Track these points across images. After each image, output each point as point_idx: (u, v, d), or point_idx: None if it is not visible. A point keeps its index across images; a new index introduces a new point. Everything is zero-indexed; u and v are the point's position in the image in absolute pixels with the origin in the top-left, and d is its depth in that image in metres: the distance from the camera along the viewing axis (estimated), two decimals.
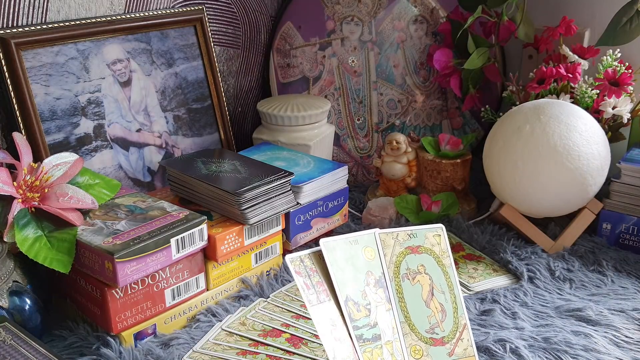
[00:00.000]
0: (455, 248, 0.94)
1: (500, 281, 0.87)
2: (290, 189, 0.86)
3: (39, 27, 0.86)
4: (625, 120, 0.98)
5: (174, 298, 0.76)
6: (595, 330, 0.75)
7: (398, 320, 0.63)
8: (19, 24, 0.85)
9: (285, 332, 0.74)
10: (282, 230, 0.88)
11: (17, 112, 0.84)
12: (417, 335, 0.64)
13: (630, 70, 0.99)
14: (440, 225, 0.69)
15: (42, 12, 0.87)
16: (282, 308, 0.79)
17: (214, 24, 1.12)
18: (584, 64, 1.03)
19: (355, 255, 0.62)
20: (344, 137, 1.19)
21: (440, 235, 0.68)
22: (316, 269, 0.60)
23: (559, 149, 0.88)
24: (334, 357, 0.57)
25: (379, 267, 0.64)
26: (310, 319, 0.76)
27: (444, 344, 0.64)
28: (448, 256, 0.68)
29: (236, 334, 0.74)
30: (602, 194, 0.95)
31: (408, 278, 0.65)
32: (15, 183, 0.72)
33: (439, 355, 0.64)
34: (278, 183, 0.84)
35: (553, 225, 0.97)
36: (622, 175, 0.94)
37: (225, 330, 0.75)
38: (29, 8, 0.85)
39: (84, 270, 0.72)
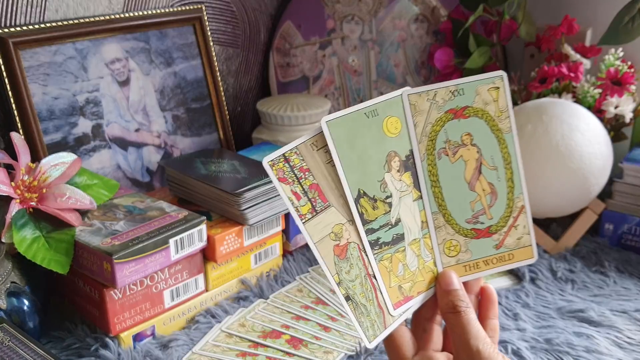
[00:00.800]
0: None
1: (501, 282, 0.86)
2: None
3: (37, 26, 0.85)
4: (627, 120, 0.98)
5: (173, 299, 0.76)
6: (598, 332, 0.75)
7: (429, 211, 0.49)
8: (17, 23, 0.85)
9: (285, 333, 0.74)
10: (282, 230, 0.87)
11: (15, 112, 0.83)
12: (455, 228, 0.50)
13: (632, 70, 0.99)
14: (501, 72, 0.51)
15: (40, 11, 0.87)
16: (282, 309, 0.79)
17: (213, 23, 1.11)
18: (586, 63, 1.02)
19: (373, 131, 0.47)
20: None
21: (499, 88, 0.51)
22: (308, 167, 0.45)
23: (561, 148, 0.87)
24: (338, 283, 0.45)
25: (407, 144, 0.48)
26: (311, 321, 0.76)
27: (490, 235, 0.50)
28: (507, 117, 0.51)
29: (236, 336, 0.74)
30: (605, 194, 0.95)
31: (446, 154, 0.49)
32: (13, 183, 0.72)
33: (481, 249, 0.50)
34: None
35: (555, 225, 0.97)
36: (624, 175, 0.94)
37: (225, 332, 0.75)
38: (26, 7, 0.85)
39: (82, 271, 0.71)
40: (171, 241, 0.72)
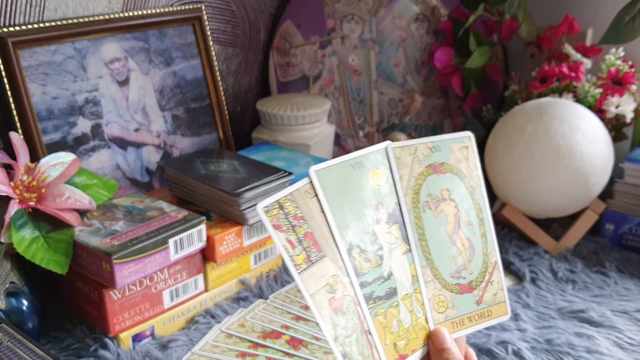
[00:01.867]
0: None
1: None
2: None
3: (36, 26, 0.85)
4: (628, 120, 0.97)
5: (172, 299, 0.76)
6: (598, 332, 0.75)
7: (419, 265, 0.48)
8: (16, 22, 0.84)
9: (285, 333, 0.74)
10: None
11: (14, 112, 0.83)
12: (442, 283, 0.49)
13: (633, 69, 0.99)
14: (469, 133, 0.53)
15: (39, 11, 0.86)
16: (282, 309, 0.79)
17: (213, 23, 1.11)
18: (587, 63, 1.02)
19: (360, 183, 0.47)
20: (344, 137, 1.18)
21: (468, 147, 0.52)
22: (302, 215, 0.44)
23: (562, 148, 0.87)
24: (335, 338, 0.43)
25: (393, 196, 0.48)
26: (311, 321, 0.76)
27: (471, 290, 0.51)
28: (477, 175, 0.52)
29: (235, 336, 0.74)
30: (605, 194, 0.95)
31: (430, 207, 0.49)
32: (12, 183, 0.72)
33: (465, 305, 0.50)
34: (277, 183, 0.83)
35: (555, 225, 0.97)
36: (625, 175, 0.94)
37: (224, 332, 0.74)
38: (26, 7, 0.85)
39: (82, 271, 0.71)
40: (170, 241, 0.72)
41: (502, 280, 0.53)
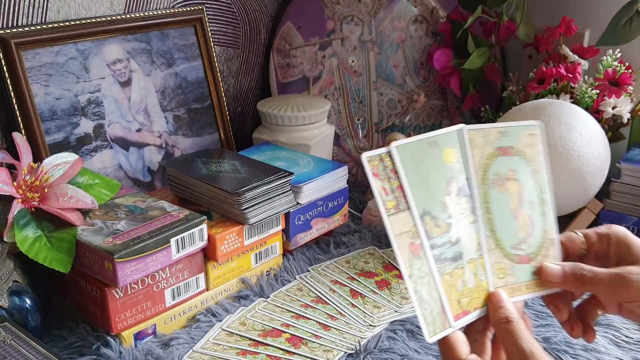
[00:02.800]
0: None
1: None
2: (290, 189, 0.86)
3: (38, 27, 0.86)
4: (625, 120, 0.98)
5: (174, 298, 0.76)
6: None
7: (483, 234, 0.53)
8: (19, 23, 0.85)
9: (285, 332, 0.74)
10: (282, 230, 0.87)
11: (17, 112, 0.84)
12: (503, 252, 0.54)
13: (630, 70, 0.99)
14: (539, 122, 0.57)
15: (42, 12, 0.87)
16: (282, 308, 0.79)
17: (214, 24, 1.12)
18: (584, 64, 1.03)
19: (434, 159, 0.52)
20: (344, 137, 1.19)
21: (535, 134, 0.57)
22: (397, 171, 0.51)
23: (559, 149, 0.88)
24: (410, 276, 0.48)
25: (463, 172, 0.53)
26: (311, 319, 0.77)
27: (529, 261, 0.55)
28: (542, 160, 0.57)
29: (236, 334, 0.74)
30: (602, 194, 0.95)
31: (497, 185, 0.54)
32: (15, 183, 0.72)
33: (523, 274, 0.55)
34: (278, 183, 0.84)
35: None
36: (622, 175, 0.94)
37: (225, 330, 0.75)
38: (28, 8, 0.85)
39: (84, 270, 0.72)
40: (172, 240, 0.73)
41: (558, 257, 0.56)
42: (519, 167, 0.56)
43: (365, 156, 0.49)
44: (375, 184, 0.49)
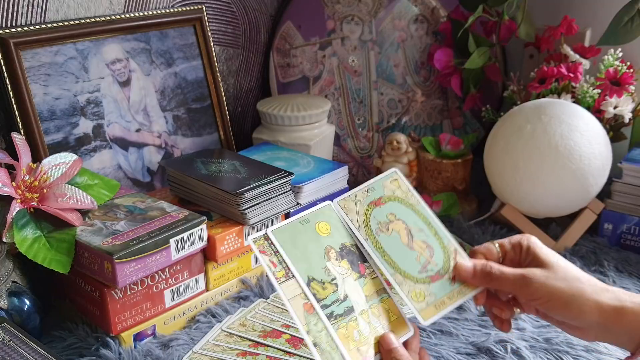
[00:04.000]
0: None
1: None
2: (290, 189, 0.86)
3: (37, 27, 0.85)
4: (626, 120, 0.98)
5: (173, 299, 0.76)
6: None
7: (389, 274, 0.60)
8: (18, 23, 0.85)
9: (285, 333, 0.74)
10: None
11: (16, 112, 0.84)
12: (413, 280, 0.61)
13: (631, 70, 0.99)
14: (394, 169, 0.66)
15: (41, 12, 0.87)
16: (282, 309, 0.79)
17: (214, 24, 1.11)
18: (585, 64, 1.02)
19: (309, 234, 0.60)
20: (344, 137, 1.19)
21: (397, 179, 0.65)
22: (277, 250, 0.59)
23: (560, 149, 0.87)
24: (307, 332, 0.55)
25: (338, 239, 0.61)
26: None
27: (441, 277, 0.62)
28: (412, 195, 0.65)
29: (236, 335, 0.74)
30: (604, 194, 0.95)
31: (382, 231, 0.62)
32: (14, 183, 0.72)
33: (441, 289, 0.61)
34: (278, 183, 0.84)
35: (554, 225, 0.97)
36: (623, 175, 0.94)
37: (225, 331, 0.75)
38: (27, 8, 0.85)
39: (83, 271, 0.71)
40: (172, 241, 0.73)
41: (467, 260, 0.63)
42: (395, 208, 0.64)
43: (250, 238, 0.58)
44: (263, 260, 0.57)
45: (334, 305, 0.57)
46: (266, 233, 0.58)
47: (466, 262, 0.62)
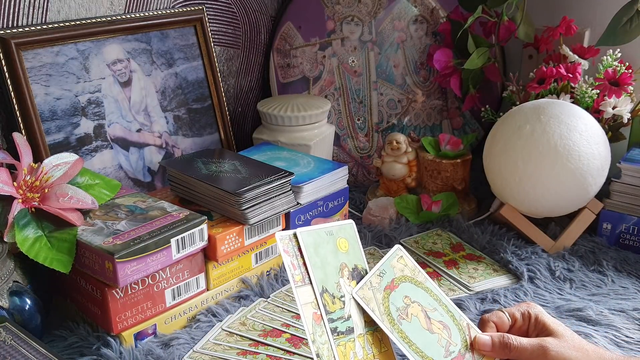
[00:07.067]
0: (455, 248, 0.95)
1: (500, 281, 0.87)
2: (291, 189, 0.86)
3: (39, 27, 0.86)
4: (625, 120, 0.98)
5: (174, 298, 0.76)
6: (596, 330, 0.75)
7: None
8: (19, 24, 0.85)
9: (285, 332, 0.74)
10: (283, 230, 0.87)
11: (17, 112, 0.84)
12: None
13: (630, 70, 0.99)
14: (398, 246, 0.67)
15: (42, 12, 0.87)
16: (283, 308, 0.79)
17: (214, 24, 1.12)
18: (584, 64, 1.03)
19: (330, 245, 0.62)
20: (344, 137, 1.19)
21: (402, 256, 0.66)
22: (302, 251, 0.60)
23: (559, 149, 0.88)
24: (312, 341, 0.56)
25: (353, 259, 0.63)
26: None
27: (463, 356, 0.63)
28: (419, 272, 0.66)
29: (236, 334, 0.74)
30: (603, 194, 0.95)
31: (403, 318, 0.62)
32: (15, 183, 0.72)
33: None
34: (278, 183, 0.84)
35: (553, 225, 0.97)
36: (622, 175, 0.94)
37: (226, 331, 0.75)
38: (29, 8, 0.85)
39: (84, 271, 0.72)
40: (172, 241, 0.73)
41: (480, 332, 0.65)
42: (408, 290, 0.64)
43: (278, 235, 0.58)
44: (286, 259, 0.58)
45: (338, 321, 0.59)
46: (295, 233, 0.59)
47: (484, 336, 0.64)
